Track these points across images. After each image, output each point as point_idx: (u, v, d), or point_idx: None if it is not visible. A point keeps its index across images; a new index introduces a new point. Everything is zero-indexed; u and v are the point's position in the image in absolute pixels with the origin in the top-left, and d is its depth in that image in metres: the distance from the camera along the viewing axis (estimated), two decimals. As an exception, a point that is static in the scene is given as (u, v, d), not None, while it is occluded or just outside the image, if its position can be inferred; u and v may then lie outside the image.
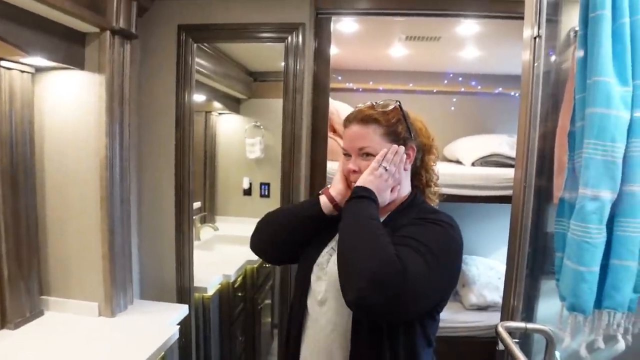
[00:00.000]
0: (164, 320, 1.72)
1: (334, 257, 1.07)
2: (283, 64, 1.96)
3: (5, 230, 1.55)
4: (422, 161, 1.14)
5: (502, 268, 3.17)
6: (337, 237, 1.12)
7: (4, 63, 1.49)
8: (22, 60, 1.52)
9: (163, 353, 1.56)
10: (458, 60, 2.92)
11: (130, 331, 1.62)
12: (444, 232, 0.95)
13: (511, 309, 1.46)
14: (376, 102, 1.08)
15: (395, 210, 1.08)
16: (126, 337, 1.57)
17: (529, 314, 1.67)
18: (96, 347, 1.50)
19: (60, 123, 1.68)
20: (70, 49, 1.60)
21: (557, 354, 1.26)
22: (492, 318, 2.73)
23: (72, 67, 1.62)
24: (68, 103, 1.67)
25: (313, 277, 1.10)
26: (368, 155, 1.04)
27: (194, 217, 2.96)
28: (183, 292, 2.05)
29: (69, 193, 1.70)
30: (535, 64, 1.39)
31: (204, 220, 3.24)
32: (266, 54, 2.76)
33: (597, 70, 1.08)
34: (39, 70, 1.64)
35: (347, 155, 1.10)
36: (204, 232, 3.09)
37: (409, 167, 1.09)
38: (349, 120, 1.08)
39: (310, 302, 1.10)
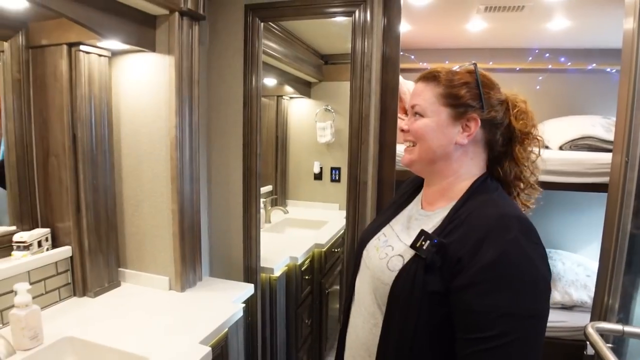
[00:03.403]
0: (230, 298, 1.74)
1: (380, 249, 0.97)
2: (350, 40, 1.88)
3: (86, 207, 1.65)
4: (509, 148, 0.94)
5: (591, 265, 2.86)
6: (392, 222, 1.04)
7: (83, 47, 1.56)
8: (99, 44, 1.60)
9: (227, 329, 1.58)
10: (544, 34, 2.65)
11: (197, 306, 1.67)
12: (527, 270, 0.76)
13: (604, 308, 1.28)
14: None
15: (458, 201, 0.90)
16: (193, 311, 1.62)
17: (625, 316, 1.47)
18: (165, 318, 1.56)
19: (134, 104, 1.75)
20: (142, 31, 1.65)
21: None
22: (577, 319, 2.48)
23: (144, 49, 1.68)
24: (141, 85, 1.74)
25: (362, 264, 1.03)
26: (417, 114, 0.93)
27: (265, 200, 3.01)
28: (250, 271, 2.08)
29: (143, 172, 1.78)
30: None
31: (274, 203, 3.28)
32: (336, 34, 2.69)
33: None
34: (114, 53, 1.72)
35: None
36: (275, 215, 3.13)
37: (465, 141, 0.90)
38: (417, 77, 0.98)
39: (357, 288, 1.02)
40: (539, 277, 0.77)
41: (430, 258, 0.81)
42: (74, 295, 1.68)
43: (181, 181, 1.73)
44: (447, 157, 0.92)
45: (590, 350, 1.06)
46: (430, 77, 0.94)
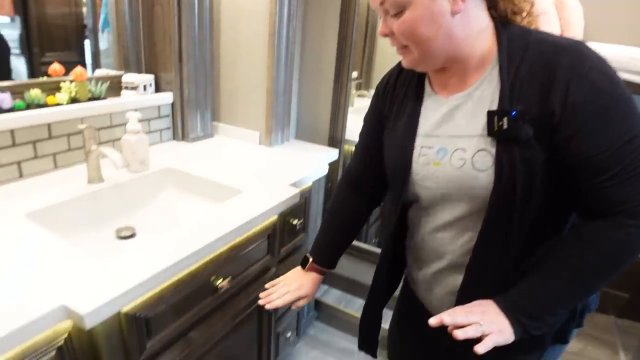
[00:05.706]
0: (316, 157, 1.81)
1: (445, 160, 0.82)
2: None
3: (188, 58, 1.70)
4: None
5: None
6: (421, 132, 0.87)
7: None
8: None
9: (311, 183, 1.66)
10: None
11: (286, 159, 1.75)
12: (616, 92, 0.69)
13: None
14: None
15: (499, 56, 0.76)
16: (281, 162, 1.71)
17: None
18: (256, 164, 1.67)
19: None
20: None
21: None
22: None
23: None
24: None
25: (423, 190, 0.87)
26: (397, 14, 0.75)
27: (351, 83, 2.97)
28: (334, 141, 2.10)
29: (241, 29, 1.78)
30: None
31: (359, 88, 3.24)
32: None
33: None
34: None
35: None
36: (358, 101, 3.10)
37: (462, 5, 0.73)
38: None
39: (421, 221, 0.92)
40: (627, 92, 0.70)
41: (524, 132, 0.71)
42: (173, 139, 1.81)
43: (278, 39, 1.72)
44: (451, 35, 0.75)
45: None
46: None
